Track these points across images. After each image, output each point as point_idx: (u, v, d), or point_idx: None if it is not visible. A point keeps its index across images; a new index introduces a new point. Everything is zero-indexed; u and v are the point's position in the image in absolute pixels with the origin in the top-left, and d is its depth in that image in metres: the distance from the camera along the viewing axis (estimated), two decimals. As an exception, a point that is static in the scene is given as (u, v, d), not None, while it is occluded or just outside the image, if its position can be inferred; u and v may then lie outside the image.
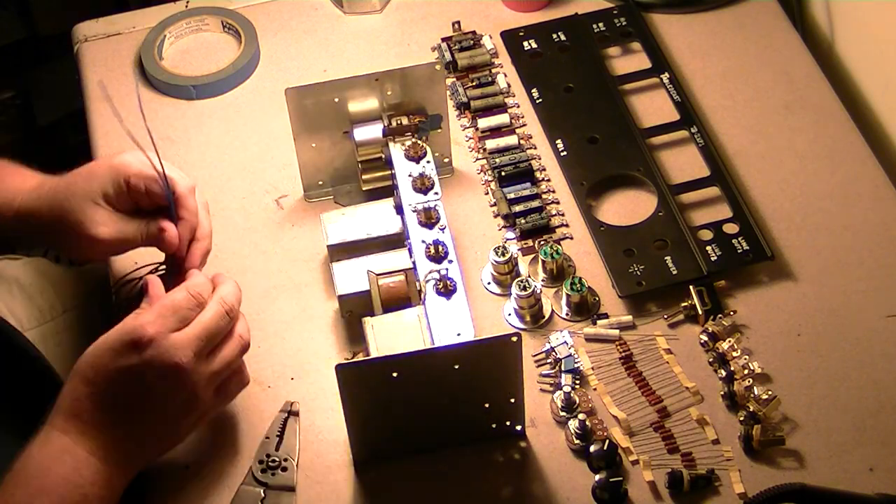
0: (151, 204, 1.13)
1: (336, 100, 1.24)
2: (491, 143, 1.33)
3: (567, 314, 1.20)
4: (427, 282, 1.12)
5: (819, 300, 1.20)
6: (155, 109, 1.41)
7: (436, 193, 1.19)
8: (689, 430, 1.11)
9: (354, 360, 1.17)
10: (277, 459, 1.10)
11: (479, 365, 1.04)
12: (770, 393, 1.11)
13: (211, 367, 1.04)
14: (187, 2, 1.50)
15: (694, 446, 1.10)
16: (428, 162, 1.21)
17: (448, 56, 1.42)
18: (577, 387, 1.14)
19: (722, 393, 1.13)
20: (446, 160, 1.32)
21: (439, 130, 1.28)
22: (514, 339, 1.03)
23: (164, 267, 1.16)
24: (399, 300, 1.15)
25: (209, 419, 1.09)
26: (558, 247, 1.22)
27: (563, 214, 1.28)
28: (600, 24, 1.45)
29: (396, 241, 1.21)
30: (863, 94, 1.40)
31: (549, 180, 1.31)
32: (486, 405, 1.09)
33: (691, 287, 1.19)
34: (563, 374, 1.14)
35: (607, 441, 1.10)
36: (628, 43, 1.44)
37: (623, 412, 1.12)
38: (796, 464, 1.09)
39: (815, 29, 1.47)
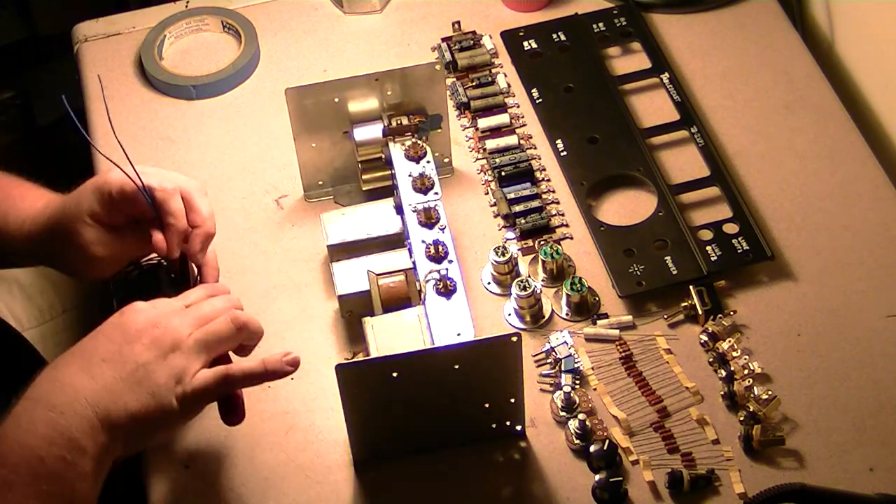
0: (142, 213, 1.13)
1: (336, 100, 1.24)
2: (491, 143, 1.33)
3: (567, 314, 1.20)
4: (427, 282, 1.12)
5: (819, 300, 1.20)
6: (155, 109, 1.41)
7: (436, 193, 1.19)
8: (689, 430, 1.11)
9: (354, 360, 1.17)
10: None
11: (479, 365, 1.04)
12: (770, 393, 1.11)
13: (192, 312, 1.04)
14: (187, 2, 1.50)
15: (694, 446, 1.10)
16: (428, 162, 1.21)
17: (448, 56, 1.42)
18: (577, 387, 1.14)
19: (722, 393, 1.13)
20: (446, 160, 1.32)
21: (439, 130, 1.28)
22: (514, 339, 1.03)
23: (161, 260, 1.16)
24: (399, 300, 1.15)
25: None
26: (558, 247, 1.22)
27: (563, 214, 1.28)
28: (600, 24, 1.45)
29: (396, 241, 1.21)
30: (863, 94, 1.40)
31: (549, 180, 1.31)
32: (486, 405, 1.08)
33: (691, 287, 1.19)
34: (563, 374, 1.14)
35: (607, 441, 1.10)
36: (628, 43, 1.44)
37: (623, 412, 1.12)
38: (796, 464, 1.09)
39: (815, 29, 1.47)
